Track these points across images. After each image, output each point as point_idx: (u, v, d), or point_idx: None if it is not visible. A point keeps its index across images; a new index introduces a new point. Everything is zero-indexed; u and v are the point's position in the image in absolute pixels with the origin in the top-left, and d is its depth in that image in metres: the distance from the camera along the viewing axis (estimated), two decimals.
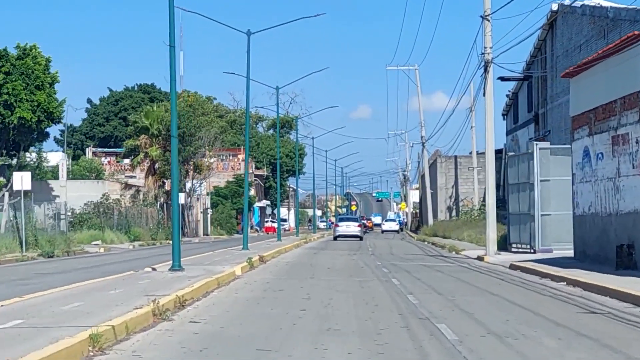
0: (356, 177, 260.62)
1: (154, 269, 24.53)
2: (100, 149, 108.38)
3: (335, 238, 67.36)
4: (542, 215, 34.49)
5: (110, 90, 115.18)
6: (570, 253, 31.59)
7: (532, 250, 36.01)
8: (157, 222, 73.60)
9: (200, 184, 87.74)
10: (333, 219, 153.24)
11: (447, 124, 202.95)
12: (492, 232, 34.73)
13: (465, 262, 33.10)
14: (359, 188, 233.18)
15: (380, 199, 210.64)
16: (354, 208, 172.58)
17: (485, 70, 34.82)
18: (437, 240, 58.44)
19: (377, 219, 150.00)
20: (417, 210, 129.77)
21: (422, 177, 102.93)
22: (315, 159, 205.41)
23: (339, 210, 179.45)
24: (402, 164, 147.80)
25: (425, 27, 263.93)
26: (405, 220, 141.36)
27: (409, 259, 36.02)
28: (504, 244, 37.52)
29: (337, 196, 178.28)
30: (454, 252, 42.06)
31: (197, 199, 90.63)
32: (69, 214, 62.87)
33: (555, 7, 56.33)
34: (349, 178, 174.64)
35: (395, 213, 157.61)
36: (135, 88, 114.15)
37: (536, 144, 34.74)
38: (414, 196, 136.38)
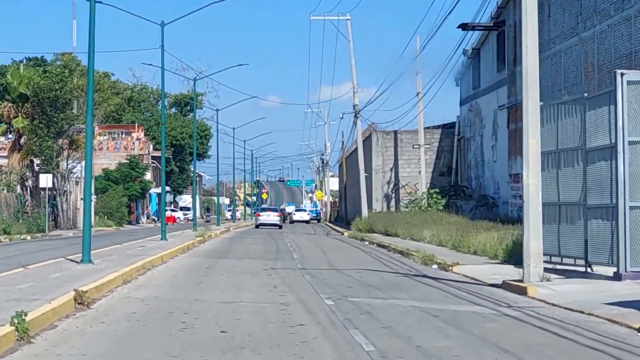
0: (269, 162, 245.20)
1: None
2: None
3: (257, 226, 74.79)
4: (631, 208, 18.59)
5: None
6: None
7: (587, 270, 20.43)
8: (15, 211, 57.03)
9: (80, 164, 70.35)
10: (240, 209, 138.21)
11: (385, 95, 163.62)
12: (534, 239, 18.46)
13: (497, 298, 17.06)
14: (269, 175, 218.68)
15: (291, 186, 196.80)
16: (264, 196, 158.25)
17: None
18: (384, 239, 42.31)
19: (290, 208, 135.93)
20: (337, 199, 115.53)
21: (347, 159, 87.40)
22: (224, 142, 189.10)
23: (249, 198, 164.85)
24: (319, 147, 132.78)
25: None
26: (323, 209, 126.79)
27: (377, 287, 19.80)
28: (518, 257, 21.19)
29: (247, 183, 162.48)
30: (435, 266, 25.99)
31: (77, 182, 73.61)
32: None
33: None
34: (260, 163, 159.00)
35: (312, 202, 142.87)
36: (24, 62, 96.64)
37: (622, 74, 18.54)
38: (333, 184, 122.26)
